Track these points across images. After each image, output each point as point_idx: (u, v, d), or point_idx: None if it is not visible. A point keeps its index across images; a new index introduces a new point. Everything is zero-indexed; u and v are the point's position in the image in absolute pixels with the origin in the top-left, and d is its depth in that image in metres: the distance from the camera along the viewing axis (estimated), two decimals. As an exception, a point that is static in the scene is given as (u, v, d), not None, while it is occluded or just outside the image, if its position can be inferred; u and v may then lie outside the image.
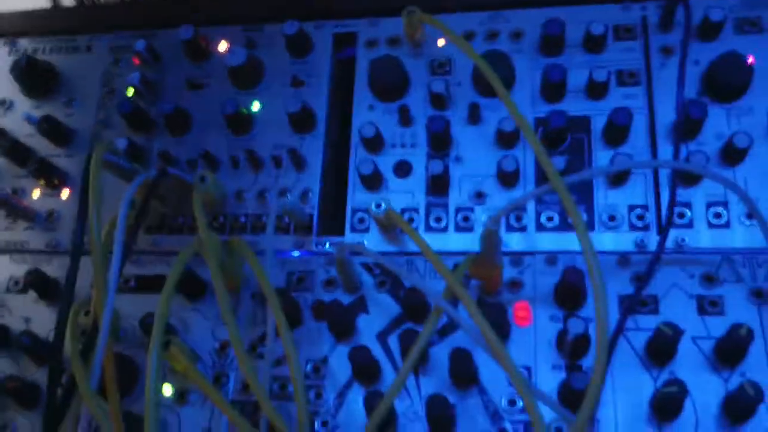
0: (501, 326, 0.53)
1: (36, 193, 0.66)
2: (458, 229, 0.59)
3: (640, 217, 0.56)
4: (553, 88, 0.60)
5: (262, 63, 0.66)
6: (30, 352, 0.58)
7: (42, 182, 0.66)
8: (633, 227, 0.56)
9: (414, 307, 0.55)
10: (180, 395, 0.57)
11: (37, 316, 0.62)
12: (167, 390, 0.57)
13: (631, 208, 0.57)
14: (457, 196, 0.59)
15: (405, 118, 0.62)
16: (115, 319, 0.58)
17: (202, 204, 0.56)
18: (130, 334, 0.59)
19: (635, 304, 0.53)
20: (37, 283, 0.61)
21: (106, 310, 0.50)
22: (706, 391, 0.50)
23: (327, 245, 0.60)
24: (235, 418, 0.49)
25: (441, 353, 0.54)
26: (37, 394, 0.57)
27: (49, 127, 0.66)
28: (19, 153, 0.66)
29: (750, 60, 0.57)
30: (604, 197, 0.57)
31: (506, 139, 0.60)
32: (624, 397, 0.51)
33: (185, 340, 0.57)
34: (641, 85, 0.59)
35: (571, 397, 0.49)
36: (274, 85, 0.65)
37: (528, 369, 0.53)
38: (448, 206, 0.59)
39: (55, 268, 0.63)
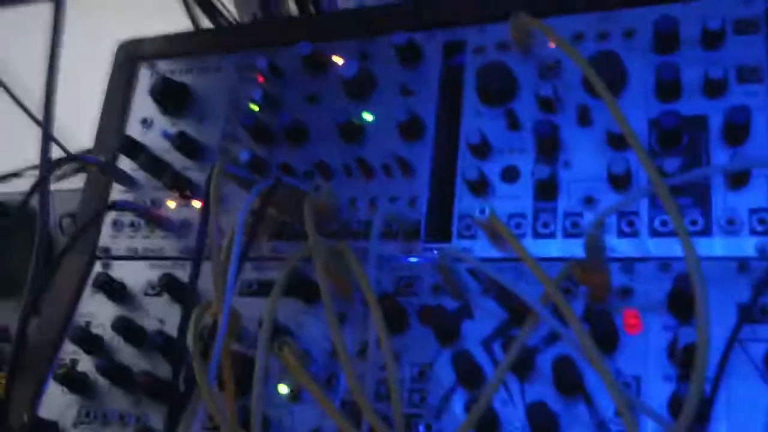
0: (608, 334, 0.52)
1: (171, 204, 0.73)
2: (566, 234, 0.58)
3: (762, 221, 0.53)
4: (666, 87, 0.58)
5: (374, 74, 0.69)
6: (162, 351, 0.64)
7: (176, 193, 0.72)
8: (754, 232, 0.53)
9: (520, 313, 0.55)
10: (294, 394, 0.60)
11: (170, 318, 0.67)
12: (283, 389, 0.60)
13: (753, 211, 0.54)
14: (565, 201, 0.59)
15: (512, 122, 0.62)
16: (236, 320, 0.63)
17: (313, 211, 0.60)
18: (252, 335, 0.64)
19: (753, 312, 0.50)
20: (170, 286, 0.67)
21: (224, 310, 0.55)
22: (832, 408, 0.47)
23: (434, 251, 0.61)
24: (339, 419, 0.52)
25: (546, 361, 0.54)
26: (166, 389, 0.63)
27: (182, 143, 0.73)
28: (156, 167, 0.73)
29: None
30: (723, 200, 0.55)
31: (617, 142, 0.58)
32: (739, 411, 0.49)
33: (300, 342, 0.60)
34: (763, 83, 0.56)
35: (680, 408, 0.47)
36: (385, 95, 0.68)
37: (637, 379, 0.52)
38: (556, 211, 0.59)
39: (187, 273, 0.69)
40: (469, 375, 0.54)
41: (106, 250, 0.73)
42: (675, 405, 0.49)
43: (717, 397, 0.48)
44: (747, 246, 0.53)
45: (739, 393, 0.49)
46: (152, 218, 0.72)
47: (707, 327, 0.45)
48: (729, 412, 0.49)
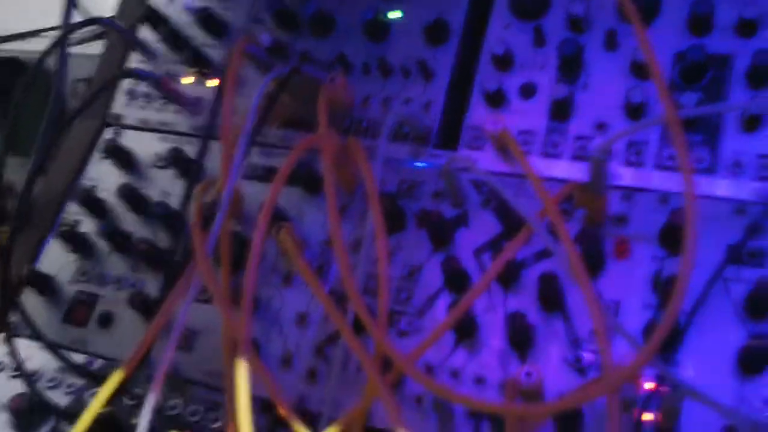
0: (595, 257, 0.56)
1: (187, 79, 0.76)
2: (574, 157, 0.61)
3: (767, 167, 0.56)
4: (698, 20, 0.60)
5: (408, -29, 0.70)
6: (163, 221, 0.69)
7: (193, 69, 0.76)
8: (759, 177, 0.56)
9: (515, 229, 0.59)
10: (286, 278, 0.65)
11: (174, 191, 0.71)
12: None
13: (761, 156, 0.57)
14: (578, 124, 0.62)
15: (539, 38, 0.65)
16: (239, 201, 0.67)
17: (327, 103, 0.63)
18: (252, 218, 0.68)
19: (740, 253, 0.54)
20: (177, 160, 0.71)
21: (228, 187, 0.59)
22: (801, 353, 0.51)
23: (441, 158, 0.65)
24: (326, 303, 0.56)
25: (532, 276, 0.58)
26: (163, 258, 0.68)
27: (206, 19, 0.75)
28: (177, 41, 0.76)
29: None
30: (733, 141, 0.58)
31: (639, 70, 0.61)
32: (710, 344, 0.53)
33: (298, 229, 0.65)
34: (797, 27, 0.58)
35: (653, 335, 0.52)
36: (415, -5, 0.70)
37: (617, 303, 0.56)
38: (567, 133, 0.62)
39: (195, 150, 0.72)
40: (456, 280, 0.58)
41: (118, 117, 0.77)
42: (649, 332, 0.53)
43: (690, 329, 0.52)
44: (748, 189, 0.56)
45: (712, 329, 0.53)
46: (167, 91, 0.75)
47: (692, 259, 0.48)
48: (699, 345, 0.53)
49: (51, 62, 0.80)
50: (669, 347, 0.52)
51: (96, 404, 0.56)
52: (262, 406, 0.59)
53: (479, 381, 0.56)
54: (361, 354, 0.52)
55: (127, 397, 0.63)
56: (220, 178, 0.62)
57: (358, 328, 0.54)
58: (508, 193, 0.60)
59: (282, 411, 0.54)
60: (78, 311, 0.69)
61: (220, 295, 0.57)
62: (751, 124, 0.57)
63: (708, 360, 0.52)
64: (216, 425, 0.60)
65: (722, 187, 0.57)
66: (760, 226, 0.54)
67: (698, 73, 0.59)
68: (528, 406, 0.50)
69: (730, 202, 0.56)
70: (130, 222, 0.72)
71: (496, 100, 0.64)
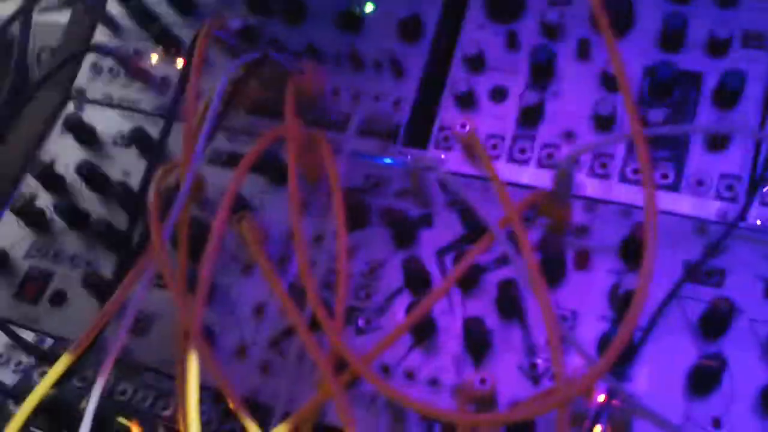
0: (556, 266, 0.56)
1: (154, 58, 0.74)
2: (540, 164, 0.61)
3: (730, 188, 0.56)
4: (670, 36, 0.60)
5: (384, -36, 0.69)
6: (122, 201, 0.67)
7: (161, 48, 0.74)
8: (720, 196, 0.57)
9: (478, 232, 0.59)
10: (245, 267, 0.64)
11: (135, 171, 0.70)
12: (235, 261, 0.64)
13: (723, 176, 0.57)
14: (546, 131, 0.61)
15: (512, 42, 0.64)
16: (201, 186, 0.66)
17: (295, 93, 0.62)
18: (214, 204, 0.67)
19: (698, 272, 0.54)
20: (139, 139, 0.69)
21: (190, 171, 0.57)
22: (749, 375, 0.52)
23: (408, 156, 0.64)
24: (283, 298, 0.55)
25: (492, 281, 0.58)
26: (120, 240, 0.66)
27: (176, -4, 0.74)
28: (146, 17, 0.74)
29: None
30: (699, 160, 0.58)
31: (610, 82, 0.61)
32: (664, 361, 0.53)
33: (260, 219, 0.63)
34: (766, 50, 0.58)
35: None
36: (393, -11, 0.69)
37: (574, 313, 0.56)
38: (535, 139, 0.62)
39: (159, 130, 0.71)
40: (417, 280, 0.58)
41: (81, 91, 0.75)
42: (604, 344, 0.53)
43: (645, 345, 0.53)
44: (710, 209, 0.57)
45: (667, 346, 0.53)
46: (133, 68, 0.73)
47: (650, 275, 0.48)
48: (652, 362, 0.53)
49: (15, 29, 0.77)
50: (622, 361, 0.52)
51: (43, 386, 0.54)
52: (214, 397, 0.59)
53: (433, 383, 0.56)
54: (316, 353, 0.51)
55: (76, 379, 0.61)
56: (182, 162, 0.61)
57: (316, 323, 0.54)
58: (474, 196, 0.60)
59: (231, 404, 0.53)
60: (30, 288, 0.67)
61: (175, 282, 0.56)
62: (716, 143, 0.57)
63: (660, 377, 0.53)
64: (166, 413, 0.59)
65: (685, 204, 0.57)
66: (720, 245, 0.55)
67: (667, 89, 0.59)
68: (479, 416, 0.50)
69: (692, 220, 0.57)
70: (88, 200, 0.70)
71: (467, 101, 0.63)
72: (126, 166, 0.70)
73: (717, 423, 0.51)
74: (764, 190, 0.56)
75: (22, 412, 0.53)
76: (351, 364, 0.49)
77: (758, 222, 0.55)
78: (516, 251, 0.52)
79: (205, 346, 0.52)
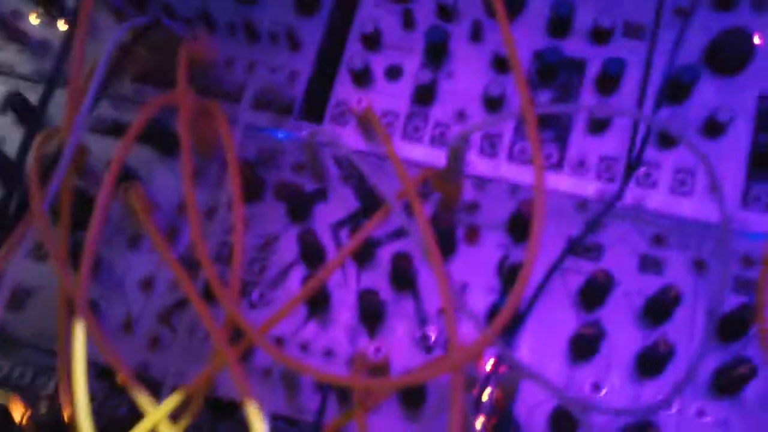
0: (447, 240, 0.57)
1: (33, 19, 0.70)
2: (433, 142, 0.62)
3: (609, 168, 0.60)
4: (557, 23, 0.62)
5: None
6: (-4, 169, 0.63)
7: (41, 9, 0.69)
8: (599, 177, 0.60)
9: (372, 207, 0.59)
10: (132, 239, 0.61)
11: (11, 138, 0.66)
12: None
13: (603, 158, 0.60)
14: (439, 110, 0.63)
15: (408, 21, 0.65)
16: (83, 154, 0.63)
17: (187, 60, 0.60)
18: (97, 174, 0.64)
19: (579, 246, 0.57)
20: (17, 105, 0.65)
21: (72, 135, 0.54)
22: (625, 341, 0.55)
23: (304, 130, 0.63)
24: (176, 268, 0.54)
25: (386, 254, 0.58)
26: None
27: (56, -46, 0.69)
28: (22, -26, 0.69)
29: (757, 39, 0.60)
30: (580, 142, 0.61)
31: (501, 65, 0.63)
32: (546, 330, 0.56)
33: (147, 191, 0.61)
34: (645, 41, 0.62)
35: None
36: (289, -39, 0.68)
37: (464, 285, 0.58)
38: (428, 118, 0.63)
39: (38, 97, 0.67)
40: (312, 253, 0.58)
41: (-50, 52, 0.70)
42: (492, 314, 0.55)
43: (529, 315, 0.55)
44: (590, 188, 0.60)
45: (549, 315, 0.56)
46: (10, 30, 0.68)
47: (537, 248, 0.50)
48: (536, 330, 0.56)
49: None
50: (509, 331, 0.55)
51: None
52: (97, 373, 0.56)
53: (328, 354, 0.56)
54: (210, 323, 0.50)
55: (-55, 357, 0.58)
56: (63, 128, 0.58)
57: (208, 297, 0.53)
58: (368, 172, 0.61)
59: (121, 377, 0.51)
60: None
61: (57, 252, 0.53)
62: (597, 127, 0.60)
63: (543, 344, 0.55)
64: (47, 390, 0.56)
65: (567, 183, 0.60)
66: (598, 223, 0.58)
67: (553, 73, 0.62)
68: (374, 380, 0.50)
69: (573, 198, 0.59)
70: (-44, 168, 0.65)
71: (362, 78, 0.63)
72: (1, 133, 0.66)
73: (597, 387, 0.54)
74: (639, 172, 0.59)
75: None
76: (246, 334, 0.49)
77: (644, 200, 0.58)
78: (411, 222, 0.53)
79: (92, 318, 0.50)
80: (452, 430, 0.44)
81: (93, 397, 0.56)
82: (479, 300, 0.57)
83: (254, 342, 0.49)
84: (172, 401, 0.49)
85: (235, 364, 0.48)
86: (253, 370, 0.56)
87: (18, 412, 0.53)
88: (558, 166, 0.60)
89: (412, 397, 0.53)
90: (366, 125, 0.62)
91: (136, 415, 0.50)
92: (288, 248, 0.60)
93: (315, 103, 0.65)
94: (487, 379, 0.52)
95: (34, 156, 0.57)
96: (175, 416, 0.51)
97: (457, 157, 0.55)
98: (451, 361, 0.48)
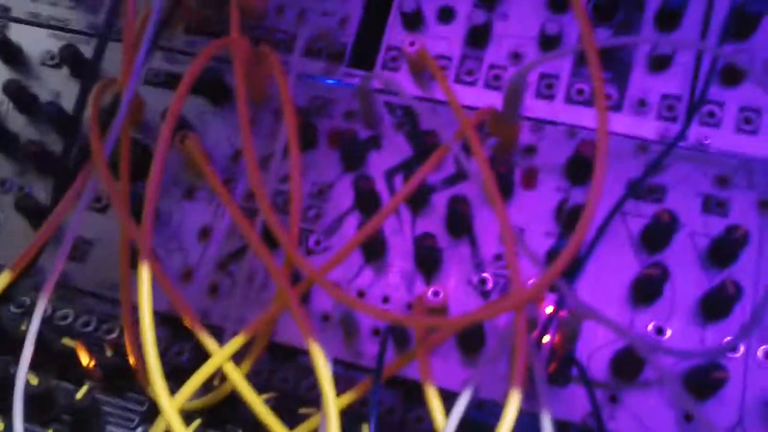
0: (504, 184, 0.56)
1: (84, -27, 0.70)
2: (488, 86, 0.61)
3: (670, 108, 0.58)
4: (616, -42, 0.60)
5: None
6: (54, 121, 0.63)
7: (91, -37, 0.69)
8: (661, 116, 0.58)
9: (426, 153, 0.58)
10: (188, 191, 0.62)
11: (67, 92, 0.66)
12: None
13: (664, 97, 0.58)
14: (494, 52, 0.61)
15: (460, -38, 0.63)
16: (139, 106, 0.63)
17: (239, 7, 0.59)
18: (153, 127, 0.64)
19: (640, 189, 0.55)
20: (72, 59, 0.65)
21: (130, 85, 0.54)
22: (689, 284, 0.53)
23: (356, 77, 0.62)
24: (236, 213, 0.53)
25: (441, 201, 0.58)
26: (54, 162, 0.63)
27: None
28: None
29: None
30: (640, 81, 0.59)
31: (557, 3, 0.60)
32: (607, 273, 0.54)
33: (201, 141, 0.61)
34: (706, -25, 0.59)
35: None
36: None
37: (522, 230, 0.56)
38: (482, 61, 0.61)
39: (92, 50, 0.67)
40: (366, 199, 0.57)
41: (6, 9, 0.70)
42: (551, 259, 0.54)
43: (589, 258, 0.54)
44: (651, 128, 0.58)
45: (609, 258, 0.55)
46: (61, -16, 0.69)
47: (600, 189, 0.48)
48: (596, 274, 0.54)
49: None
50: (569, 275, 0.53)
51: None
52: (160, 320, 0.57)
53: (385, 301, 0.56)
54: (270, 264, 0.50)
55: (13, 306, 0.59)
56: (120, 78, 0.58)
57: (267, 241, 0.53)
58: (422, 117, 0.60)
59: (186, 321, 0.51)
60: (-45, 215, 0.63)
61: (119, 199, 0.54)
62: (658, 64, 0.58)
63: (603, 289, 0.54)
64: (111, 336, 0.57)
65: (627, 124, 0.58)
66: (660, 164, 0.56)
67: (612, 9, 0.59)
68: (435, 318, 0.50)
69: (634, 139, 0.57)
70: (17, 123, 0.66)
71: (414, 21, 0.62)
72: (57, 87, 0.67)
73: (660, 331, 0.52)
74: (703, 111, 0.57)
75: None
76: (306, 274, 0.48)
77: (708, 139, 0.56)
78: (470, 163, 0.52)
79: (156, 262, 0.50)
80: (516, 370, 0.43)
81: (159, 342, 0.57)
82: (537, 244, 0.56)
83: (315, 281, 0.48)
84: (235, 342, 0.49)
85: (296, 305, 0.48)
86: (312, 316, 0.56)
87: (84, 358, 0.54)
88: (617, 107, 0.58)
89: (471, 342, 0.53)
90: (418, 69, 0.61)
91: (198, 364, 0.51)
92: (342, 196, 0.59)
93: (366, 50, 0.64)
94: (548, 323, 0.51)
95: (92, 105, 0.58)
96: (238, 360, 0.51)
97: (514, 97, 0.53)
98: (513, 299, 0.47)
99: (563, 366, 0.50)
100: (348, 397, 0.49)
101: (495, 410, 0.52)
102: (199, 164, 0.55)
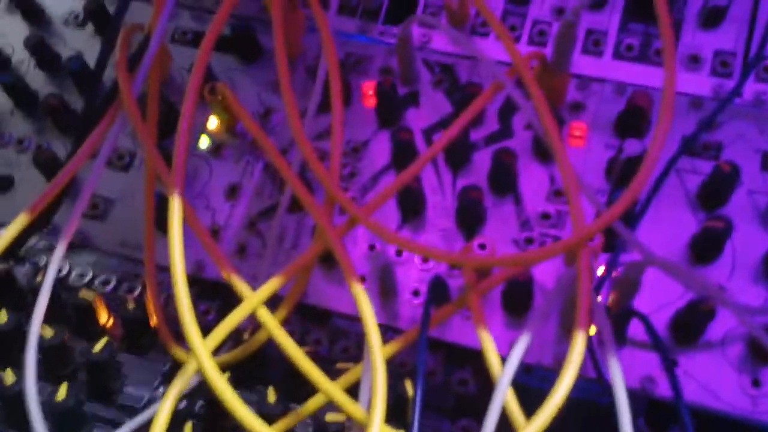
0: (552, 139, 0.52)
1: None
2: (531, 42, 0.57)
3: (725, 64, 0.54)
4: None
5: None
6: (76, 76, 0.60)
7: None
8: (714, 72, 0.54)
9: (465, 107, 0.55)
10: (216, 149, 0.58)
11: (90, 51, 0.63)
12: (203, 142, 0.58)
13: (717, 53, 0.55)
14: (537, 8, 0.58)
15: None
16: (166, 59, 0.60)
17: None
18: (178, 83, 0.61)
19: (695, 145, 0.52)
20: (96, 15, 0.62)
21: (159, 26, 0.51)
22: (750, 244, 0.49)
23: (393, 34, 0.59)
24: (274, 154, 0.49)
25: (483, 159, 0.54)
26: (75, 119, 0.59)
27: None
28: None
29: None
30: (692, 37, 0.55)
31: (602, -41, 0.58)
32: (664, 231, 0.50)
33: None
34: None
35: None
36: None
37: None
38: (526, 16, 0.58)
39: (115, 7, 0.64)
40: (404, 154, 0.54)
41: (28, -31, 0.67)
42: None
43: (646, 215, 0.50)
44: (705, 85, 0.54)
45: (666, 217, 0.51)
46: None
47: (663, 138, 0.44)
48: (653, 233, 0.50)
49: None
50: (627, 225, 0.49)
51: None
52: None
53: (425, 260, 0.52)
54: (310, 203, 0.46)
55: (29, 263, 0.55)
56: (149, 22, 0.55)
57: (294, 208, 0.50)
58: (463, 74, 0.56)
59: (223, 271, 0.47)
60: (-31, 174, 0.60)
61: (145, 132, 0.50)
62: (710, 19, 0.55)
63: (660, 248, 0.50)
64: (133, 295, 0.53)
65: (680, 81, 0.54)
66: (714, 120, 0.52)
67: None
68: (489, 257, 0.45)
69: (687, 96, 0.54)
70: (37, 81, 0.63)
71: (453, -22, 0.59)
72: (80, 46, 0.63)
73: (721, 290, 0.48)
74: (759, 66, 0.54)
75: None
76: (348, 212, 0.45)
77: (766, 95, 0.53)
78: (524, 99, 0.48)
79: (190, 208, 0.46)
80: (581, 310, 0.39)
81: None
82: (587, 204, 0.52)
83: (358, 221, 0.45)
84: (270, 286, 0.45)
85: (338, 243, 0.44)
86: (343, 283, 0.52)
87: (103, 314, 0.50)
88: (668, 63, 0.55)
89: (518, 301, 0.49)
90: (459, 23, 0.58)
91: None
92: (379, 153, 0.56)
93: (402, 8, 0.61)
94: (602, 281, 0.47)
95: (120, 47, 0.54)
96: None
97: (565, 42, 0.50)
98: (576, 236, 0.43)
99: (620, 323, 0.46)
100: (392, 347, 0.45)
101: (545, 375, 0.48)
102: (231, 107, 0.52)
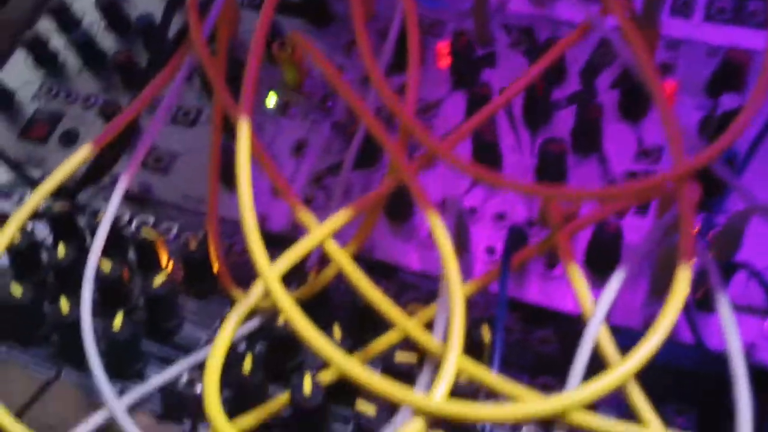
0: (639, 99, 0.49)
1: None
2: (612, 5, 0.54)
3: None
4: None
5: None
6: (146, 37, 0.59)
7: None
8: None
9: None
10: (282, 108, 0.56)
11: (159, 13, 0.62)
12: (271, 101, 0.56)
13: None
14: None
15: None
16: (234, 17, 0.58)
17: None
18: (246, 44, 0.59)
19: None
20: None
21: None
22: None
23: (468, -2, 0.57)
24: (346, 92, 0.46)
25: (563, 119, 0.51)
26: (142, 77, 0.58)
27: None
28: None
29: None
30: (790, -3, 0.52)
31: None
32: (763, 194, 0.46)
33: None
34: None
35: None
36: None
37: (659, 149, 0.49)
38: (609, -21, 0.55)
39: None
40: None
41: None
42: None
43: (748, 166, 0.46)
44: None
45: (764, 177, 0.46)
46: None
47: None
48: (758, 183, 0.46)
49: None
50: (718, 194, 0.45)
51: (58, 175, 0.46)
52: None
53: (499, 218, 0.48)
54: (384, 137, 0.43)
55: (88, 213, 0.53)
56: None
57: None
58: (542, 35, 0.54)
59: (291, 201, 0.44)
60: (38, 127, 0.59)
61: (215, 72, 0.48)
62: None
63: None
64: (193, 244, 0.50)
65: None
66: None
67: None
68: (579, 190, 0.41)
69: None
70: (107, 42, 0.62)
71: (532, -58, 0.57)
72: (149, 9, 0.62)
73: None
74: None
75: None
76: (428, 146, 0.42)
77: None
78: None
79: (257, 141, 0.44)
80: (685, 243, 0.35)
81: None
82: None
83: (436, 153, 0.41)
84: (340, 217, 0.42)
85: (413, 177, 0.41)
86: (416, 239, 0.48)
87: (164, 256, 0.48)
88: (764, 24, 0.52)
89: (603, 257, 0.45)
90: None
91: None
92: (453, 112, 0.53)
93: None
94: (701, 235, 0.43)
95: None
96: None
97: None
98: (676, 169, 0.39)
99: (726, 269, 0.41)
100: (471, 287, 0.41)
101: (633, 336, 0.44)
102: (306, 50, 0.49)
